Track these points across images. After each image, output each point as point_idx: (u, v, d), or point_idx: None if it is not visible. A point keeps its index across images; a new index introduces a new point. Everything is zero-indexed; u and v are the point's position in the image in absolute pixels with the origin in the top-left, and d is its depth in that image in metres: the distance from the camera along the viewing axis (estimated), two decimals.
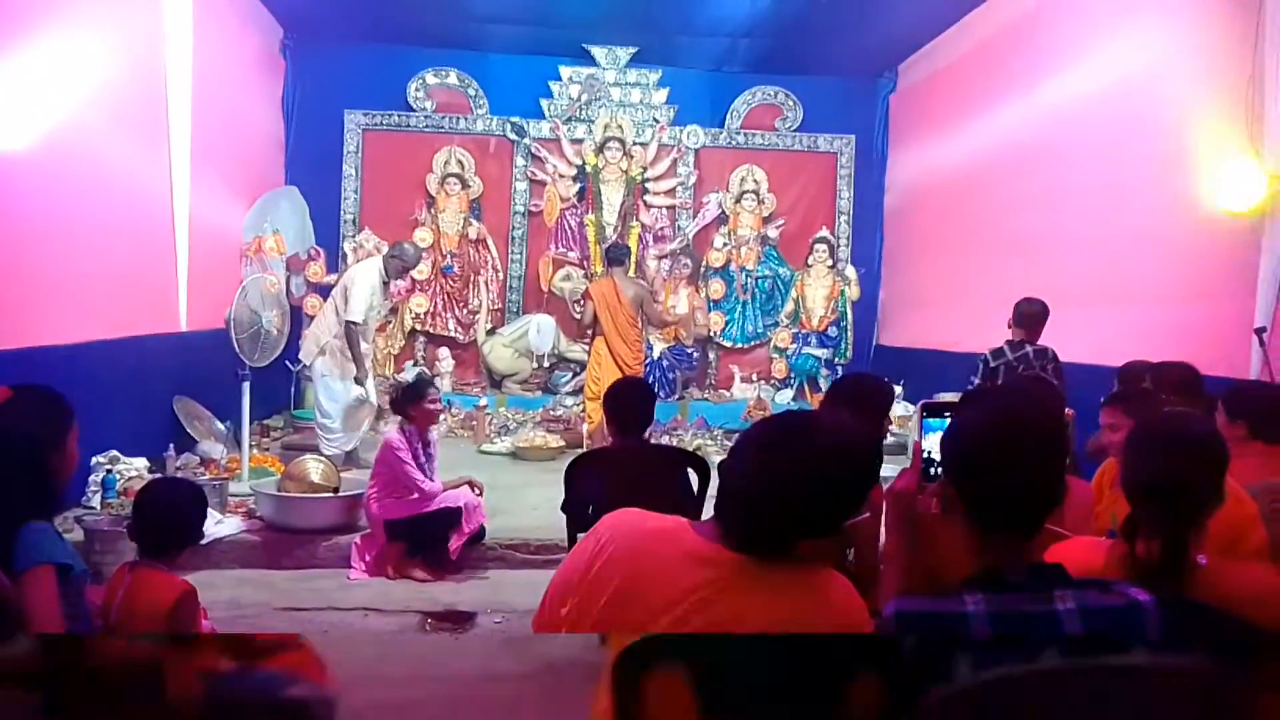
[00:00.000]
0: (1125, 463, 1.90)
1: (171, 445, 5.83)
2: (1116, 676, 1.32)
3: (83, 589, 2.03)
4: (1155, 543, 1.73)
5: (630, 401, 3.52)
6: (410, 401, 4.93)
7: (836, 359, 9.30)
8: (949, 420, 1.68)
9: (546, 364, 8.99)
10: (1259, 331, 4.44)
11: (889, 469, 7.20)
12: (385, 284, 6.70)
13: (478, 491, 4.97)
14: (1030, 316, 5.05)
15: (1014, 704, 1.31)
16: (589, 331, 7.77)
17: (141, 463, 5.42)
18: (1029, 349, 4.97)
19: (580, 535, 3.46)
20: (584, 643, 1.63)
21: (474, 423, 8.13)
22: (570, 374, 8.88)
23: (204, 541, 4.72)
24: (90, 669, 1.39)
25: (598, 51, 9.30)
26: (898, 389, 8.53)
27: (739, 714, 1.45)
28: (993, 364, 5.02)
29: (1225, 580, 1.72)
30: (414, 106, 9.25)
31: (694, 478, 3.56)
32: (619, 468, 3.39)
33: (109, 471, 5.17)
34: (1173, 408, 3.26)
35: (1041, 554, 1.86)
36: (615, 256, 7.64)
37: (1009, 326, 5.13)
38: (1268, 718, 1.52)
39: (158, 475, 5.18)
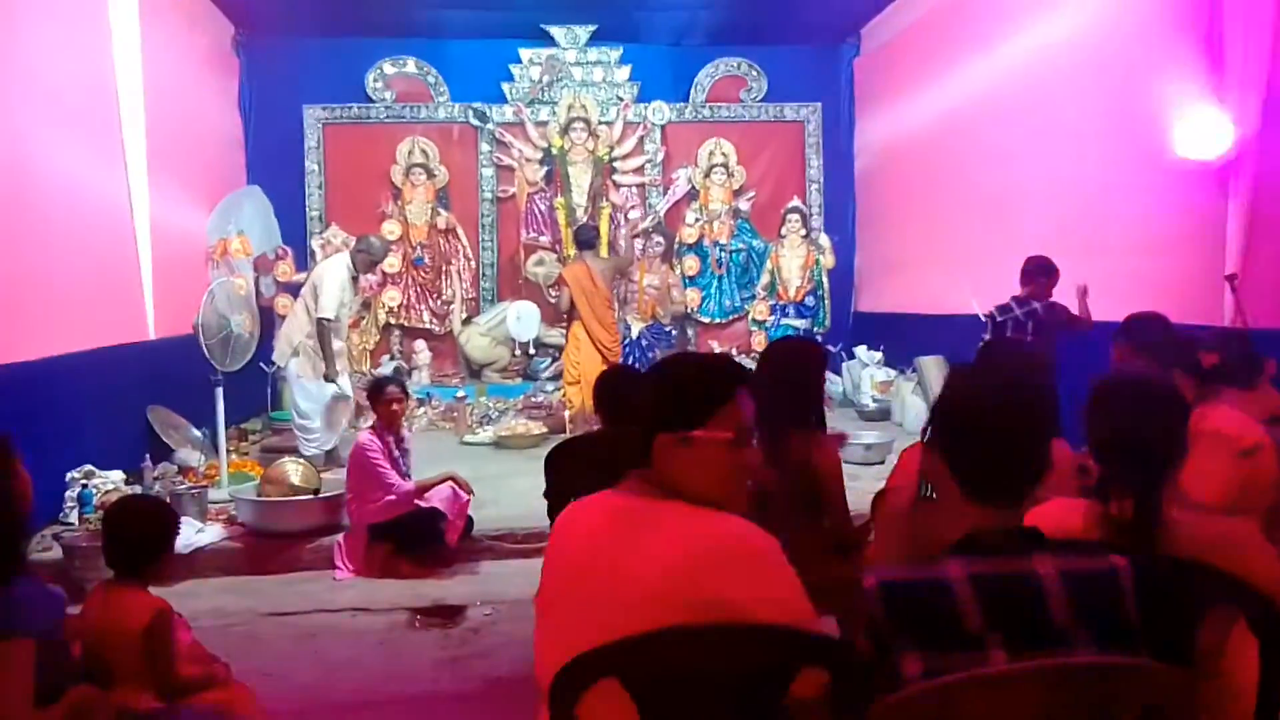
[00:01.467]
0: (1088, 422, 1.91)
1: (148, 455, 5.74)
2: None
3: (60, 640, 2.04)
4: (1128, 502, 1.74)
5: (622, 390, 3.49)
6: (371, 401, 4.91)
7: (815, 328, 9.29)
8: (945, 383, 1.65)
9: (530, 351, 8.93)
10: (1230, 278, 4.45)
11: (871, 436, 7.17)
12: (354, 279, 6.62)
13: (466, 492, 4.90)
14: (1031, 272, 5.21)
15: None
16: (565, 316, 7.72)
17: (118, 475, 5.34)
18: (1036, 305, 5.06)
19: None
20: (525, 658, 1.64)
21: (455, 414, 8.08)
22: (549, 360, 8.83)
23: (186, 551, 4.72)
24: None
25: (556, 31, 9.19)
26: (878, 354, 8.56)
27: (684, 716, 1.44)
28: (999, 319, 5.10)
29: (1194, 534, 1.72)
30: (373, 98, 9.12)
31: None
32: (597, 455, 3.35)
33: (85, 486, 5.10)
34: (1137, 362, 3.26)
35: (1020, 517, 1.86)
36: (584, 239, 7.58)
37: (1020, 285, 5.22)
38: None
39: (128, 492, 5.11)
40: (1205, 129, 4.66)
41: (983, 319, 5.37)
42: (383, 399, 4.87)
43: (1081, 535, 1.78)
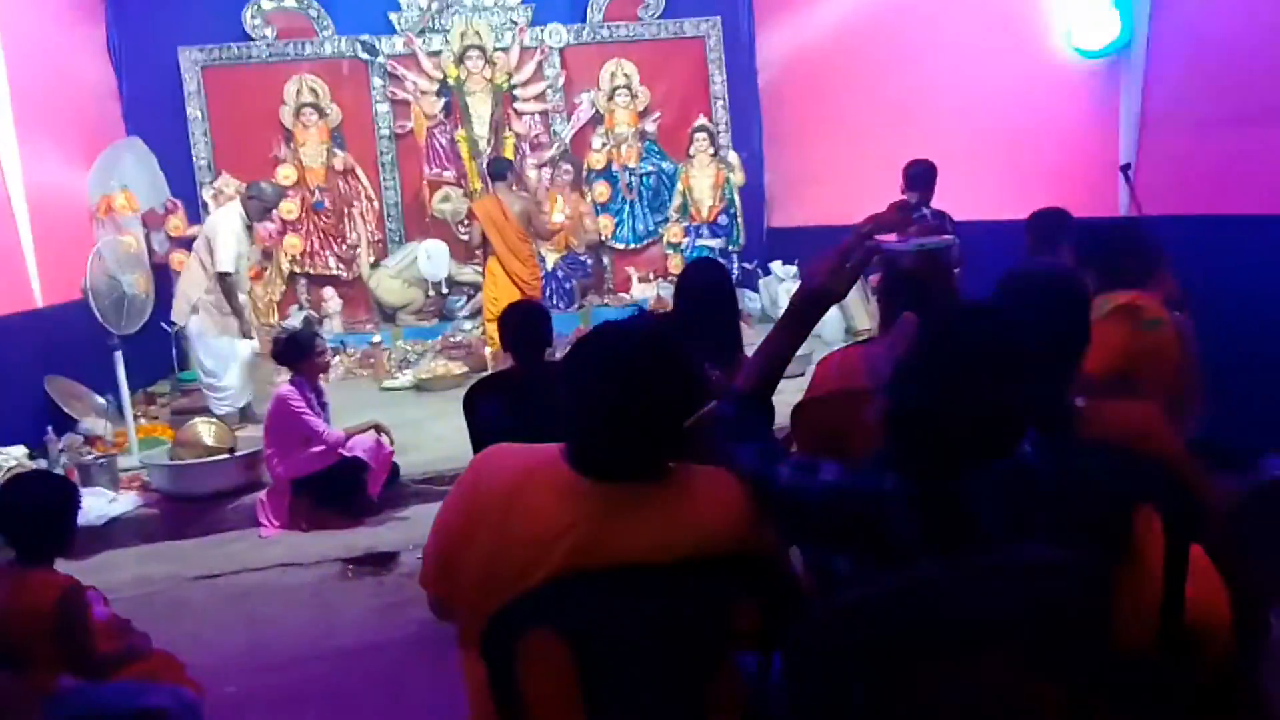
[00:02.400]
0: None
1: (49, 427, 5.49)
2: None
3: None
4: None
5: (524, 327, 3.44)
6: (299, 356, 4.74)
7: (730, 247, 9.30)
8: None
9: (444, 290, 8.75)
10: (1124, 169, 4.55)
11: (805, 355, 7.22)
12: (249, 228, 6.34)
13: (389, 440, 4.82)
14: (918, 177, 5.10)
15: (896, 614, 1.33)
16: (478, 252, 7.56)
17: (20, 450, 5.11)
18: (925, 211, 5.03)
19: None
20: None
21: (372, 360, 7.92)
22: (465, 298, 8.68)
23: (99, 522, 4.57)
24: None
25: None
26: (793, 269, 8.62)
27: (620, 660, 1.43)
28: None
29: (1102, 418, 1.76)
30: (253, 36, 8.65)
31: None
32: (518, 391, 3.31)
33: None
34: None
35: None
36: (496, 171, 7.39)
37: (902, 192, 5.16)
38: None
39: (32, 467, 4.91)
40: (1093, 21, 4.71)
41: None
42: (313, 352, 4.73)
43: None
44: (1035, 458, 1.45)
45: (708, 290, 3.02)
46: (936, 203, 5.14)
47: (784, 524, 1.53)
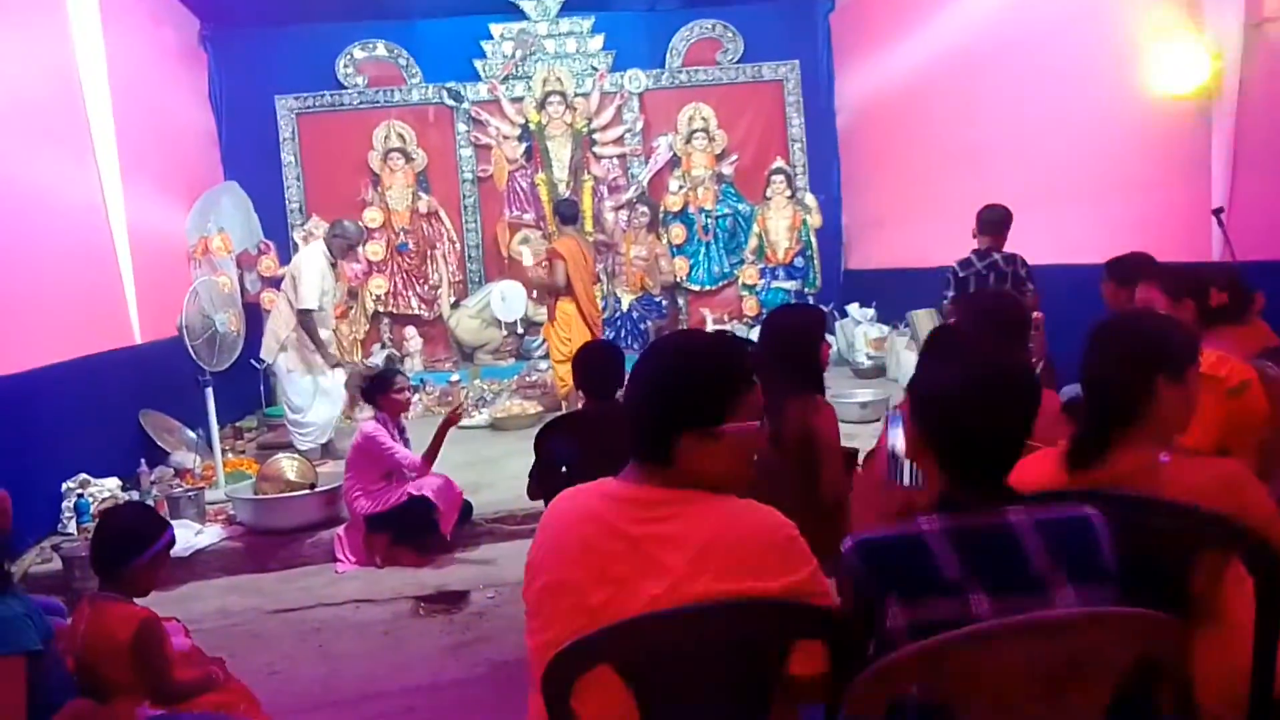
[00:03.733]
0: (1082, 364, 1.93)
1: (143, 460, 5.72)
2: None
3: (54, 655, 2.02)
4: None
5: (598, 366, 3.48)
6: (379, 392, 4.86)
7: (806, 289, 9.25)
8: (919, 365, 1.66)
9: (520, 330, 8.89)
10: (1217, 212, 4.40)
11: (866, 394, 7.11)
12: (333, 265, 6.54)
13: (455, 415, 4.95)
14: (992, 223, 5.00)
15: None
16: (549, 293, 7.66)
17: (113, 483, 5.32)
18: (996, 256, 4.92)
19: (537, 499, 3.46)
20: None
21: (449, 398, 8.05)
22: (542, 338, 8.78)
23: (186, 553, 4.71)
24: None
25: (526, 4, 9.06)
26: (870, 311, 8.52)
27: (680, 699, 1.42)
28: (961, 274, 4.98)
29: (1186, 477, 1.70)
30: (345, 84, 9.01)
31: None
32: (590, 428, 3.33)
33: (81, 495, 5.07)
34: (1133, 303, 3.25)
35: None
36: (568, 214, 7.50)
37: (974, 236, 5.07)
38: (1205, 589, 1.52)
39: (125, 499, 5.10)
40: (1184, 63, 4.58)
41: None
42: (392, 388, 4.85)
43: (1053, 480, 1.78)
44: (1095, 511, 1.43)
45: (794, 331, 3.03)
46: (1015, 247, 5.03)
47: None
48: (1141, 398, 1.79)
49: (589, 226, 8.92)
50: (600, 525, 1.52)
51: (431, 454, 4.81)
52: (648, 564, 1.47)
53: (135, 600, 2.38)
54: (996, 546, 1.40)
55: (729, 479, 1.56)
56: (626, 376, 3.50)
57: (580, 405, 3.98)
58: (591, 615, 1.45)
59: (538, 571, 1.56)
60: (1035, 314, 3.47)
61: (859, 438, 5.25)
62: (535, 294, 8.50)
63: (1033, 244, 5.13)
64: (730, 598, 1.43)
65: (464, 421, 7.61)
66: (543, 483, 3.44)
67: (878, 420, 6.12)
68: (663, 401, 1.55)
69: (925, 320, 7.39)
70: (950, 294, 4.93)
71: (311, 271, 6.26)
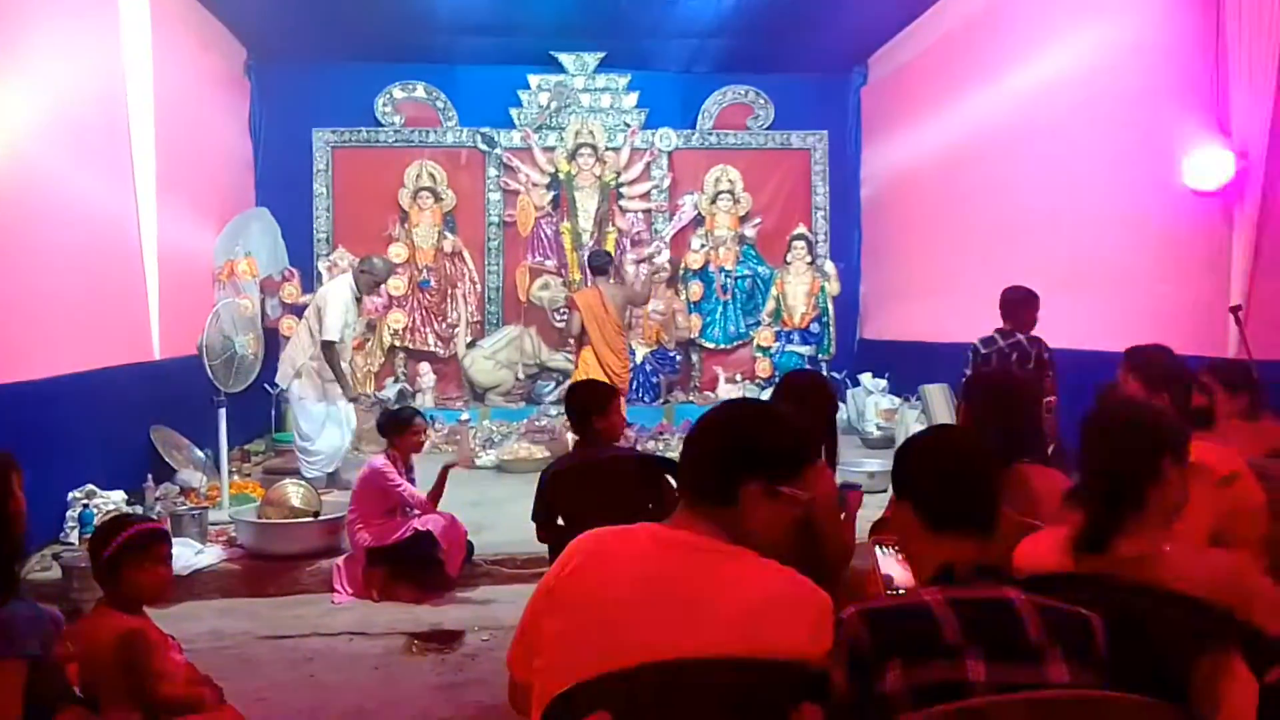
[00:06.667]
0: (1081, 450, 1.97)
1: (150, 476, 5.74)
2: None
3: (52, 662, 2.03)
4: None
5: (571, 395, 3.70)
6: (396, 431, 4.89)
7: (820, 355, 9.29)
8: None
9: (531, 374, 8.94)
10: (1234, 309, 4.43)
11: (874, 464, 7.06)
12: (358, 300, 6.62)
13: (467, 461, 5.00)
14: (1012, 303, 5.02)
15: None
16: (571, 341, 7.71)
17: (119, 495, 5.34)
18: (1020, 337, 4.93)
19: (549, 543, 3.46)
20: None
21: (458, 437, 8.06)
22: (553, 384, 8.83)
23: (185, 573, 4.71)
24: None
25: (565, 58, 9.27)
26: (883, 381, 8.54)
27: None
28: (984, 351, 4.99)
29: (1188, 568, 1.71)
30: (382, 122, 9.20)
31: (674, 484, 3.52)
32: (592, 476, 3.35)
33: (86, 506, 5.09)
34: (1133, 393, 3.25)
35: (1014, 545, 1.88)
36: (598, 265, 7.60)
37: (1003, 319, 5.10)
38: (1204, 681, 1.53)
39: (129, 512, 5.10)
40: (1208, 161, 4.65)
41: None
42: (410, 429, 4.88)
43: (1058, 564, 1.79)
44: (1095, 616, 1.46)
45: (810, 393, 3.02)
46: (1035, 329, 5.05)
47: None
48: (1149, 482, 1.81)
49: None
50: (648, 565, 1.54)
51: (436, 494, 4.83)
52: (689, 612, 1.48)
53: (145, 612, 2.39)
54: (994, 615, 1.43)
55: (770, 541, 1.58)
56: (612, 407, 3.58)
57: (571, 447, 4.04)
58: (619, 650, 1.46)
59: (562, 602, 1.55)
60: (1049, 398, 3.49)
61: (866, 506, 5.24)
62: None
63: (1050, 327, 5.15)
64: (735, 656, 1.44)
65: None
66: (542, 528, 3.45)
67: (885, 490, 6.09)
68: (744, 440, 1.58)
69: (938, 395, 7.40)
70: (969, 371, 4.93)
71: (337, 304, 6.33)
